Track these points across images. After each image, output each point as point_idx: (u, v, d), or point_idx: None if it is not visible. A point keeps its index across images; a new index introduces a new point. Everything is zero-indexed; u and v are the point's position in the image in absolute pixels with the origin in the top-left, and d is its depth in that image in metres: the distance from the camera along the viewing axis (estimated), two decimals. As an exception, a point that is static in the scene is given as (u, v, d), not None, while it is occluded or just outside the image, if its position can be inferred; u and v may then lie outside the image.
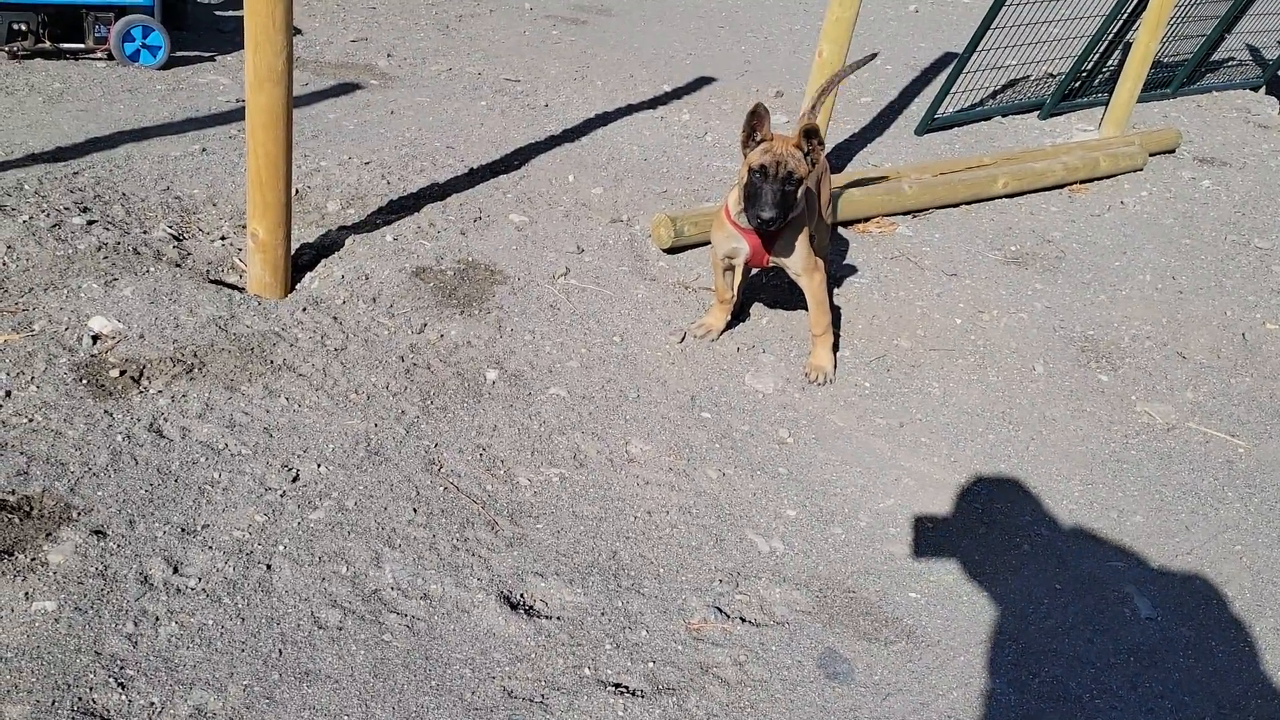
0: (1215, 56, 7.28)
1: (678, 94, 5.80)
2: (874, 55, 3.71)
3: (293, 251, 3.49)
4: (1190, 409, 3.41)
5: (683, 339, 3.37)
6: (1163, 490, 2.98)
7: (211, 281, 3.24)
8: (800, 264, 3.13)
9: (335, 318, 3.14)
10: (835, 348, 3.42)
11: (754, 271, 3.55)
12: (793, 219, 3.04)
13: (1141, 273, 4.38)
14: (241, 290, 3.23)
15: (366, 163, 4.21)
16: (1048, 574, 2.60)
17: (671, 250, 3.92)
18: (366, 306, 3.22)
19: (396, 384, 2.88)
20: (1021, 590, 2.54)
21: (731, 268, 3.26)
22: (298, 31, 5.75)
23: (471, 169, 4.35)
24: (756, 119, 2.91)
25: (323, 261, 3.47)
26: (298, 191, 3.89)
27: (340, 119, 4.66)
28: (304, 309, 3.14)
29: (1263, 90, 7.54)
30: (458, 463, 2.62)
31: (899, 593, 2.47)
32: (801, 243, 3.11)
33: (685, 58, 6.46)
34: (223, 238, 3.53)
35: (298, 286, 3.34)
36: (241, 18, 2.91)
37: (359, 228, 3.70)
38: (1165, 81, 6.91)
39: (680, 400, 3.06)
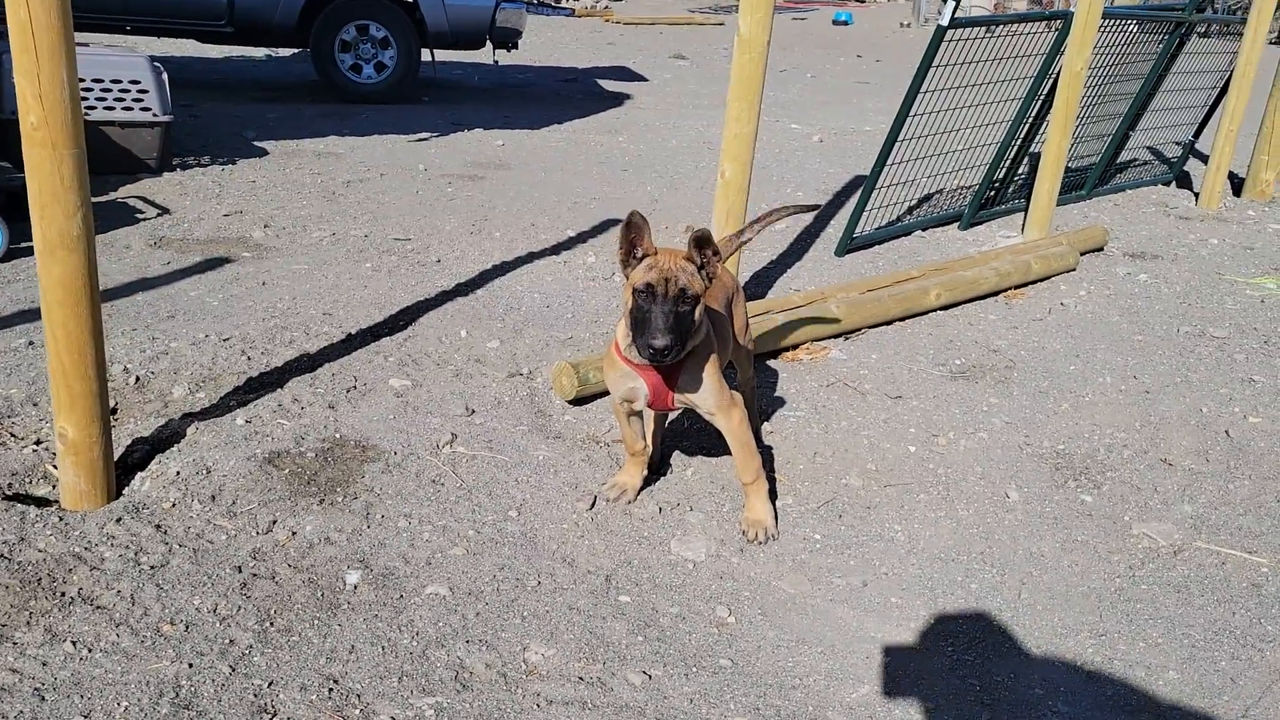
0: (1123, 157, 7.23)
1: (582, 238, 5.44)
2: (817, 206, 3.36)
3: (124, 449, 2.92)
4: (1193, 525, 2.92)
5: (593, 504, 2.81)
6: (1190, 632, 2.44)
7: (9, 498, 2.63)
8: (713, 401, 2.59)
9: (159, 526, 2.53)
10: (773, 495, 2.90)
11: (671, 417, 3.05)
12: (695, 348, 2.53)
13: (1100, 375, 3.98)
14: (47, 504, 2.62)
15: (226, 339, 3.68)
16: (1076, 765, 2.02)
17: (577, 401, 3.41)
18: (202, 507, 2.63)
19: (227, 605, 2.26)
20: (1048, 793, 1.95)
21: (636, 412, 2.74)
22: (165, 211, 5.31)
23: (350, 334, 3.84)
24: (634, 231, 2.40)
25: (157, 457, 2.88)
26: (138, 379, 3.34)
27: (203, 296, 4.16)
28: (118, 520, 2.54)
29: (1173, 185, 7.49)
30: (297, 707, 1.99)
31: (892, 819, 1.86)
32: (710, 375, 2.57)
33: (589, 202, 6.15)
34: (38, 442, 2.93)
35: (125, 491, 2.74)
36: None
37: (207, 413, 3.13)
38: (1079, 184, 6.80)
39: (592, 583, 2.48)
